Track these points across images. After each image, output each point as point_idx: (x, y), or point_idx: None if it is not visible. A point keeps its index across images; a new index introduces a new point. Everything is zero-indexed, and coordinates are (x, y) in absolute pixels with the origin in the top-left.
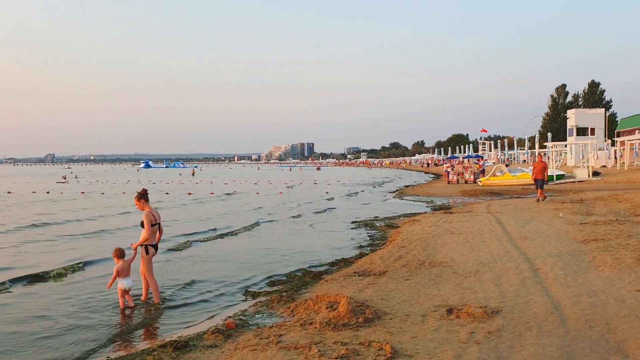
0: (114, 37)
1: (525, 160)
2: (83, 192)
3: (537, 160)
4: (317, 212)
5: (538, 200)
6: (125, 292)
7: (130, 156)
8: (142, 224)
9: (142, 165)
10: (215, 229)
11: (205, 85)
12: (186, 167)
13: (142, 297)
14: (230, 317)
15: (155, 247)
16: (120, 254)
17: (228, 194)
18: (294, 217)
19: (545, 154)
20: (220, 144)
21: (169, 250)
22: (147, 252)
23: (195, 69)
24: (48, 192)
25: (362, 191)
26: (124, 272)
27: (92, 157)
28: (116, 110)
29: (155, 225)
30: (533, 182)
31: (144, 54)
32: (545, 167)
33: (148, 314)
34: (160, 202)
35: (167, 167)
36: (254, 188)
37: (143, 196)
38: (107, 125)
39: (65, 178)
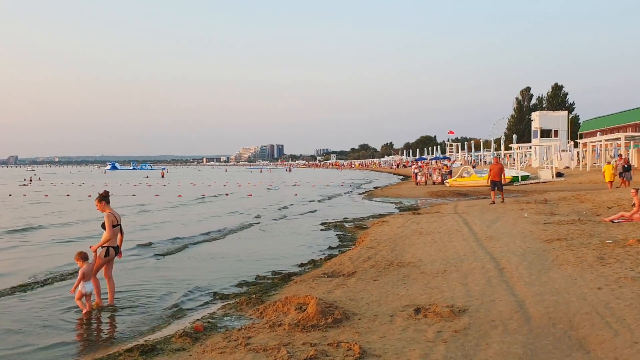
0: (79, 33)
1: (488, 162)
2: (47, 195)
3: (493, 162)
4: (289, 216)
5: (493, 202)
6: (84, 295)
7: (96, 158)
8: (103, 226)
9: (109, 167)
10: (180, 237)
11: (173, 85)
12: (153, 168)
13: (109, 301)
14: (198, 319)
15: (117, 249)
16: (84, 256)
17: (200, 197)
18: (268, 219)
19: (510, 155)
20: (188, 145)
21: (147, 256)
22: (107, 254)
23: (162, 68)
24: (10, 195)
25: (345, 193)
26: (88, 276)
27: (56, 159)
28: (81, 110)
29: (116, 226)
30: (489, 184)
31: (110, 52)
32: (502, 169)
33: (113, 318)
34: (123, 207)
35: (134, 169)
36: (223, 190)
37: (104, 198)
38: (72, 126)
39: (31, 180)
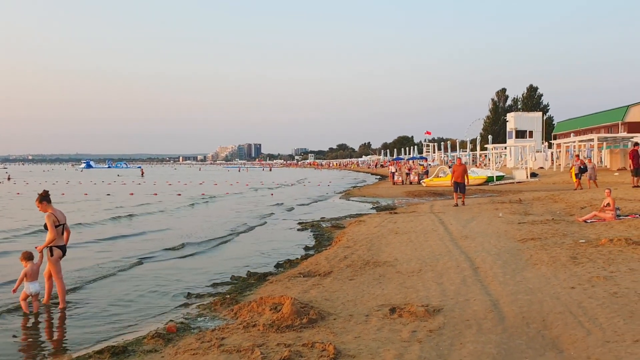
0: (53, 24)
1: (466, 162)
2: (19, 193)
3: (456, 162)
4: (269, 216)
5: (456, 204)
6: (29, 296)
7: (70, 156)
8: (45, 226)
9: (83, 165)
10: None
11: (149, 82)
12: (129, 167)
13: (44, 300)
14: (171, 320)
15: (63, 248)
16: (28, 256)
17: (202, 198)
18: (247, 221)
19: (486, 155)
20: (164, 144)
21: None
22: (52, 254)
23: (139, 64)
24: None
25: (336, 193)
26: (32, 276)
27: (30, 157)
28: (55, 106)
29: (59, 226)
30: (452, 185)
31: (84, 43)
32: (465, 170)
33: (84, 319)
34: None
35: (109, 167)
36: (199, 189)
37: (44, 198)
38: (46, 123)
39: (9, 179)
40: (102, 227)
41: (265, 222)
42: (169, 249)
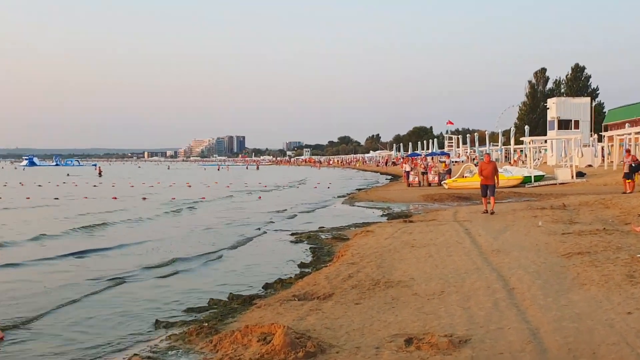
0: None
1: (497, 159)
2: None
3: (484, 160)
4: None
5: (486, 211)
6: None
7: (9, 151)
8: None
9: (25, 162)
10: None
11: (108, 62)
12: (82, 165)
13: None
14: (136, 354)
15: None
16: None
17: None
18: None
19: (521, 150)
20: (125, 136)
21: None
22: None
23: (94, 39)
24: None
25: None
26: None
27: None
28: None
29: None
30: (480, 188)
31: (23, 18)
32: (495, 169)
33: (26, 355)
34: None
35: (57, 165)
36: (169, 193)
37: None
38: None
39: None
40: (64, 240)
41: (266, 232)
42: (148, 267)
